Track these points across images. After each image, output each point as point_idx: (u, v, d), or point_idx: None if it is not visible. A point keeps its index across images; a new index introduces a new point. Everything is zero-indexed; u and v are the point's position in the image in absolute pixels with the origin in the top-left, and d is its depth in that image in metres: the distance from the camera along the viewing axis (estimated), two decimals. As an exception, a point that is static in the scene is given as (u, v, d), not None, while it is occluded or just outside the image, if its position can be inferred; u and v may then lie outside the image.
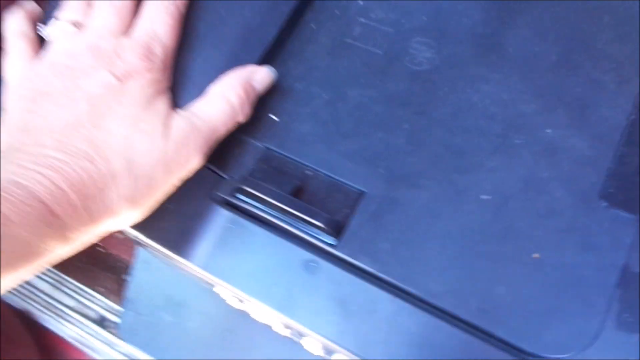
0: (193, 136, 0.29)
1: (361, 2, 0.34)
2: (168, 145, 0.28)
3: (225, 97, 0.30)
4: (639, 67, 0.31)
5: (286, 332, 0.34)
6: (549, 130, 0.30)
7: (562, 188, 0.29)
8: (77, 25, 0.30)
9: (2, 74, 0.31)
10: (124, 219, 0.28)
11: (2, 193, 0.24)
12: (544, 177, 0.29)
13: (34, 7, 0.33)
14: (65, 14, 0.31)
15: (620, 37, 0.32)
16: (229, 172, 0.31)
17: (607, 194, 0.28)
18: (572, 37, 0.32)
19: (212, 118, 0.30)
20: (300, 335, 0.31)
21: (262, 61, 0.33)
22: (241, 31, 0.32)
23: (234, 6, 0.33)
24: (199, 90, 0.31)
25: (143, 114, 0.28)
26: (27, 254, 0.25)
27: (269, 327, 0.34)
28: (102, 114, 0.27)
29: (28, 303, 0.56)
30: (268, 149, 0.32)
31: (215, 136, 0.30)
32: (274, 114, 0.32)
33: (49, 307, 0.56)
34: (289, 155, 0.31)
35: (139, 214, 0.29)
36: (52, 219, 0.25)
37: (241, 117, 0.31)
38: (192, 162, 0.29)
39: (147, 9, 0.31)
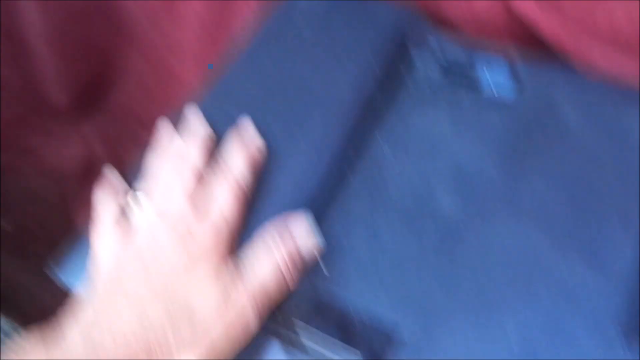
0: (250, 305, 0.33)
1: (393, 158, 0.40)
2: (229, 314, 0.33)
3: (280, 274, 0.34)
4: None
5: None
6: (566, 273, 0.34)
7: (583, 328, 0.32)
8: (159, 214, 0.36)
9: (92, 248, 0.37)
10: None
11: None
12: (566, 318, 0.32)
13: (119, 181, 0.39)
14: (148, 201, 0.37)
15: (621, 182, 0.36)
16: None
17: (629, 330, 0.31)
18: (578, 186, 0.37)
19: (268, 289, 0.34)
20: None
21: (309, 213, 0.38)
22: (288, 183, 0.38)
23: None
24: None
25: (209, 288, 0.33)
26: None
27: None
28: (176, 290, 0.33)
29: None
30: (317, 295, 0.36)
31: (270, 304, 0.35)
32: (323, 265, 0.37)
33: None
34: (336, 300, 0.36)
35: None
36: None
37: (292, 287, 0.35)
38: (250, 326, 0.34)
39: (216, 193, 0.36)
